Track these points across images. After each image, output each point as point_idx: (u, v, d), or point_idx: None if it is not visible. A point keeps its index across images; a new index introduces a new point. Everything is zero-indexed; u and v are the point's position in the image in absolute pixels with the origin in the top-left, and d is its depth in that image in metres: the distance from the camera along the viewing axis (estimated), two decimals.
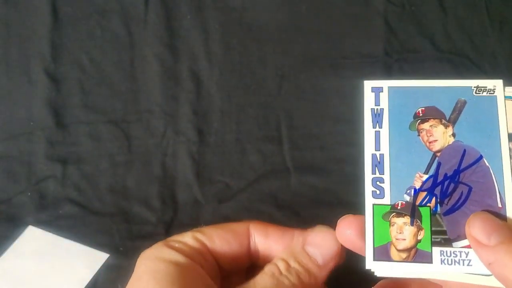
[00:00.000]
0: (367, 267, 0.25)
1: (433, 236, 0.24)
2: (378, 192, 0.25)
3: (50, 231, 0.41)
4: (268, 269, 0.26)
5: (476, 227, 0.23)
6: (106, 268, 0.40)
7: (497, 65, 0.46)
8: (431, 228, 0.24)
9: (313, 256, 0.26)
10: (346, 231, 0.26)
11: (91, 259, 0.36)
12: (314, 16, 0.47)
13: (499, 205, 0.24)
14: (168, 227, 0.43)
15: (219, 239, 0.27)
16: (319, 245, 0.26)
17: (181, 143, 0.44)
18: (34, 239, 0.42)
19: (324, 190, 0.43)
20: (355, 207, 0.43)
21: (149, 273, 0.25)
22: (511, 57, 0.46)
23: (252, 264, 0.28)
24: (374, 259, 0.24)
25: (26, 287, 0.41)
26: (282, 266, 0.26)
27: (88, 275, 0.40)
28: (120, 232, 0.41)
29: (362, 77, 0.45)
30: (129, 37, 0.45)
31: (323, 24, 0.46)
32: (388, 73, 0.45)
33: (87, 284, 0.39)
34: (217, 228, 0.28)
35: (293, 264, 0.26)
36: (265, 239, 0.28)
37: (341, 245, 0.26)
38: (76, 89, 0.45)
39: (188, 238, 0.27)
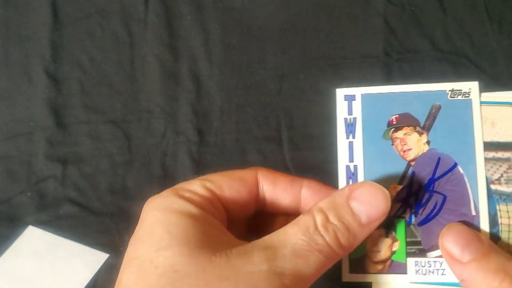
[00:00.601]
0: (344, 279, 0.25)
1: (408, 247, 0.24)
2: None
3: (50, 231, 0.41)
4: (303, 221, 0.22)
5: (450, 241, 0.23)
6: (106, 268, 0.40)
7: (497, 65, 0.46)
8: (406, 239, 0.24)
9: (357, 213, 0.23)
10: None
11: (91, 259, 0.36)
12: (314, 16, 0.47)
13: (473, 214, 0.24)
14: None
15: (228, 187, 0.25)
16: (366, 202, 0.23)
17: (181, 143, 0.44)
18: (34, 239, 0.42)
19: None
20: None
21: (162, 226, 0.23)
22: (510, 57, 0.46)
23: (258, 211, 0.27)
24: (350, 272, 0.25)
25: (26, 287, 0.40)
26: (319, 219, 0.22)
27: (88, 275, 0.40)
28: (120, 232, 0.41)
29: (362, 77, 0.46)
30: (129, 37, 0.45)
31: (323, 24, 0.46)
32: (388, 73, 0.45)
33: (87, 284, 0.39)
34: (224, 176, 0.26)
35: (332, 219, 0.22)
36: (273, 187, 0.26)
37: (387, 211, 0.23)
38: (76, 89, 0.45)
39: (197, 187, 0.25)
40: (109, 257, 0.40)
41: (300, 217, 0.23)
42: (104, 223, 0.42)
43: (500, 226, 0.24)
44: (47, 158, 0.43)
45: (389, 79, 0.45)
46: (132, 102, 0.45)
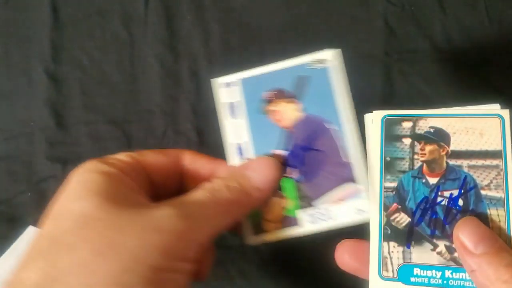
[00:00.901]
0: (247, 242, 0.28)
1: (298, 202, 0.28)
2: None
3: None
4: (208, 184, 0.26)
5: (465, 233, 0.25)
6: None
7: (496, 65, 0.46)
8: (295, 195, 0.28)
9: (252, 179, 0.27)
10: (344, 255, 0.28)
11: None
12: (313, 17, 0.47)
13: (344, 160, 0.28)
14: None
15: (152, 157, 0.28)
16: (259, 171, 0.27)
17: (181, 143, 0.44)
18: None
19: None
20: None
21: (80, 183, 0.26)
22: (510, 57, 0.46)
23: (182, 188, 0.29)
24: (252, 234, 0.29)
25: None
26: (223, 183, 0.26)
27: None
28: None
29: (362, 77, 0.45)
30: (129, 37, 0.45)
31: (322, 24, 0.46)
32: (388, 73, 0.45)
33: None
34: (151, 150, 0.29)
35: (232, 183, 0.26)
36: (194, 163, 0.30)
37: (278, 174, 0.27)
38: (77, 89, 0.45)
39: (121, 155, 0.28)
40: None
41: (206, 183, 0.26)
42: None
43: (491, 229, 0.26)
44: (47, 158, 0.43)
45: (389, 79, 0.45)
46: (132, 102, 0.45)
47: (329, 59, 0.28)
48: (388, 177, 0.29)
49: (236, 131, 0.27)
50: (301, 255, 0.42)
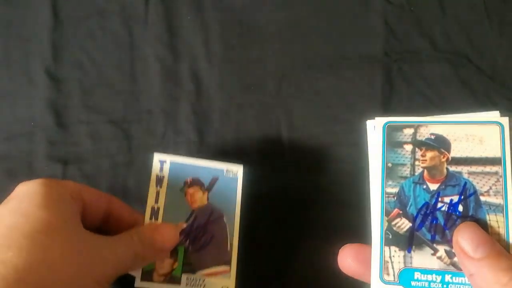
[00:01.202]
0: (136, 285, 0.33)
1: (184, 267, 0.34)
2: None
3: None
4: (125, 235, 0.32)
5: (464, 238, 0.26)
6: None
7: (496, 65, 0.46)
8: (183, 260, 0.34)
9: (158, 241, 0.32)
10: (346, 259, 0.29)
11: None
12: (313, 17, 0.47)
13: (228, 249, 0.35)
14: None
15: (92, 194, 0.33)
16: (164, 236, 0.33)
17: (181, 143, 0.44)
18: None
19: (323, 189, 0.43)
20: (354, 206, 0.43)
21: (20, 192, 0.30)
22: (510, 56, 0.46)
23: (107, 222, 0.34)
24: (141, 280, 0.33)
25: None
26: (136, 237, 0.32)
27: None
28: None
29: (362, 77, 0.46)
30: (129, 37, 0.45)
31: (322, 24, 0.47)
32: (387, 73, 0.46)
33: None
34: (93, 189, 0.34)
35: (143, 240, 0.32)
36: (119, 210, 0.34)
37: (176, 242, 0.33)
38: (77, 89, 0.45)
39: (69, 181, 0.33)
40: None
41: (126, 233, 0.32)
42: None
43: (490, 235, 0.26)
44: (47, 158, 0.43)
45: (388, 80, 0.46)
46: (133, 102, 0.45)
47: (238, 173, 0.36)
48: (390, 182, 0.29)
49: (157, 197, 0.34)
50: (301, 259, 0.42)
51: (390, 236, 0.28)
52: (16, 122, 0.44)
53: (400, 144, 0.30)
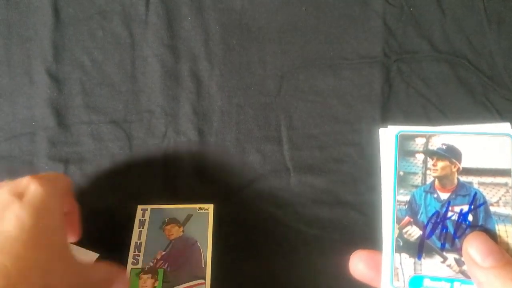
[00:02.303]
0: None
1: (163, 284, 0.40)
2: (135, 261, 0.41)
3: None
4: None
5: (474, 247, 0.27)
6: None
7: (495, 65, 0.46)
8: (162, 280, 0.40)
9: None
10: (357, 264, 0.30)
11: (81, 259, 0.37)
12: (313, 17, 0.47)
13: (203, 265, 0.41)
14: None
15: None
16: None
17: (182, 143, 0.44)
18: None
19: (323, 189, 0.44)
20: (354, 206, 0.43)
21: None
22: (508, 57, 0.46)
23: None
24: None
25: None
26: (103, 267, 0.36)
27: None
28: (118, 230, 0.42)
29: (361, 78, 0.46)
30: (130, 38, 0.45)
31: (322, 25, 0.47)
32: (387, 74, 0.46)
33: None
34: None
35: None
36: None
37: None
38: (78, 89, 0.45)
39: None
40: (98, 256, 0.40)
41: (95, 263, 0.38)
42: (104, 222, 0.42)
43: (498, 245, 0.27)
44: (49, 158, 0.44)
45: (388, 80, 0.46)
46: (133, 103, 0.45)
47: (209, 210, 0.43)
48: (401, 191, 0.30)
49: (139, 235, 0.42)
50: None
51: (401, 243, 0.29)
52: (17, 122, 0.44)
53: (412, 153, 0.30)
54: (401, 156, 0.30)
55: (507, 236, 0.28)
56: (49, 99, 0.44)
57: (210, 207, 0.43)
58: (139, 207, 0.43)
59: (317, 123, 0.45)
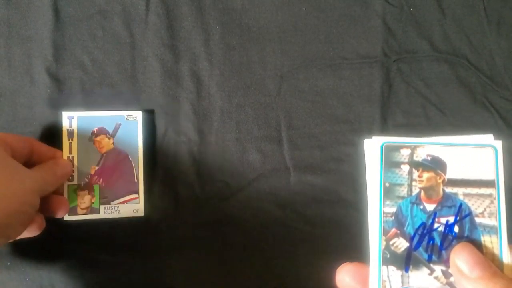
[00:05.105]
0: (65, 219, 0.41)
1: (100, 200, 0.42)
2: (70, 178, 0.42)
3: None
4: (44, 166, 0.40)
5: (461, 258, 0.27)
6: None
7: (495, 65, 0.46)
8: (99, 195, 0.42)
9: (58, 172, 0.40)
10: (344, 278, 0.30)
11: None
12: (313, 17, 0.47)
13: (136, 180, 0.42)
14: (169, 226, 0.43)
15: (16, 139, 0.39)
16: (62, 169, 0.41)
17: (182, 143, 0.45)
18: None
19: (323, 188, 0.44)
20: (353, 205, 0.43)
21: None
22: (508, 57, 0.46)
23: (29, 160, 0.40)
24: (68, 215, 0.41)
25: None
26: (48, 169, 0.40)
27: None
28: (117, 230, 0.42)
29: (361, 78, 0.46)
30: (130, 37, 0.46)
31: (322, 25, 0.47)
32: (387, 74, 0.46)
33: None
34: (15, 135, 0.40)
35: (51, 170, 0.40)
36: (39, 148, 0.41)
37: (69, 174, 0.42)
38: (78, 89, 0.45)
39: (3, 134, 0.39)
40: None
41: (36, 167, 0.39)
42: (105, 223, 0.42)
43: (484, 255, 0.28)
44: None
45: (387, 80, 0.46)
46: (133, 102, 0.45)
47: (137, 117, 0.43)
48: (388, 202, 0.30)
49: (70, 148, 0.42)
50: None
51: (388, 256, 0.29)
52: (18, 122, 0.44)
53: (398, 164, 0.30)
54: (387, 167, 0.30)
55: (493, 247, 0.28)
56: (49, 98, 0.44)
57: (138, 114, 0.43)
58: (64, 113, 0.42)
59: (317, 123, 0.45)
